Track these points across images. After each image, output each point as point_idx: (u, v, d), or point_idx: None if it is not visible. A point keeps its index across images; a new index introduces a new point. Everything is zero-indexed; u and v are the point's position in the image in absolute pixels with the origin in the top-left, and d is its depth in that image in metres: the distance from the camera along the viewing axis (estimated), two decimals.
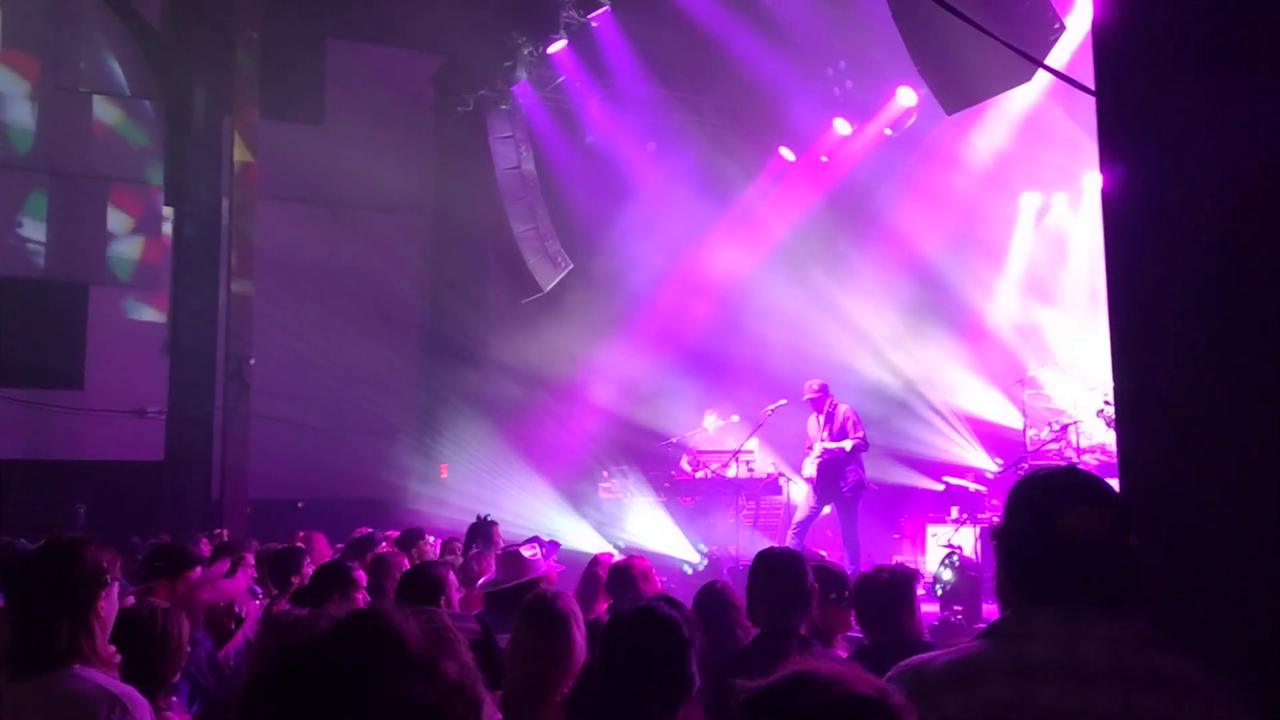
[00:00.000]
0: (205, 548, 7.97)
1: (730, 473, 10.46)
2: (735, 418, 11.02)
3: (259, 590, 5.73)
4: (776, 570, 3.45)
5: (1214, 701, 1.80)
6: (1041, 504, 1.98)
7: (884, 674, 1.79)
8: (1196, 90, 2.24)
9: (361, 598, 4.55)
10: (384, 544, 7.15)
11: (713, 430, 11.19)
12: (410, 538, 7.13)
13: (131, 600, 3.79)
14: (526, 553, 4.74)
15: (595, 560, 5.50)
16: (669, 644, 2.55)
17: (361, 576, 4.75)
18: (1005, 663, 1.88)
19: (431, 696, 1.07)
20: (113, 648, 2.54)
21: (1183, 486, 2.17)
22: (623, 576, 4.82)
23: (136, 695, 2.44)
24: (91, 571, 2.49)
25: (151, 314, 15.51)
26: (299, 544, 6.84)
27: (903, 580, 3.95)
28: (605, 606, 4.80)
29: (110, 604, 2.53)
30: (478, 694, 1.13)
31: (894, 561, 9.25)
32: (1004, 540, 2.00)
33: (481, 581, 5.25)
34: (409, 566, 5.30)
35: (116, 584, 2.58)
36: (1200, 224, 2.20)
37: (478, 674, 1.14)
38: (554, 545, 6.52)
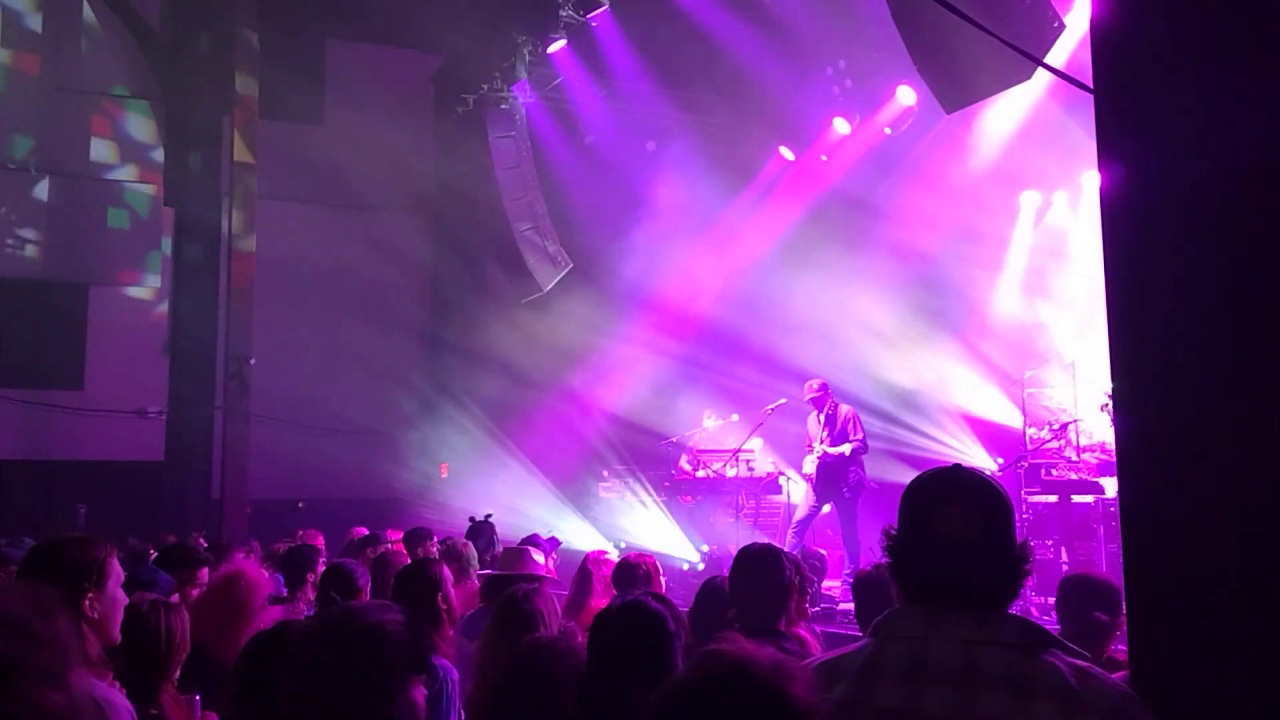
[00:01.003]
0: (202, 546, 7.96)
1: (730, 472, 10.45)
2: (735, 417, 11.02)
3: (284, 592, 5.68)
4: (761, 569, 3.48)
5: (1078, 708, 1.75)
6: (916, 505, 1.99)
7: None
8: (1196, 90, 2.25)
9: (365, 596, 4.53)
10: (385, 545, 7.14)
11: (712, 429, 11.19)
12: (417, 537, 7.09)
13: (175, 596, 3.80)
14: (536, 556, 4.79)
15: (588, 558, 5.52)
16: (655, 637, 2.62)
17: (365, 578, 4.71)
18: (864, 661, 1.89)
19: (12, 645, 1.29)
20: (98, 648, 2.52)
21: (1181, 485, 2.17)
22: (629, 574, 4.83)
23: (119, 700, 2.43)
24: (73, 573, 2.45)
25: (151, 314, 15.52)
26: (298, 543, 6.81)
27: None
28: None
29: (104, 604, 2.50)
30: (66, 652, 1.36)
31: None
32: (889, 541, 2.01)
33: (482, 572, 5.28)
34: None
35: (115, 582, 2.56)
36: (1199, 223, 2.20)
37: (72, 639, 1.40)
38: (554, 542, 6.51)
